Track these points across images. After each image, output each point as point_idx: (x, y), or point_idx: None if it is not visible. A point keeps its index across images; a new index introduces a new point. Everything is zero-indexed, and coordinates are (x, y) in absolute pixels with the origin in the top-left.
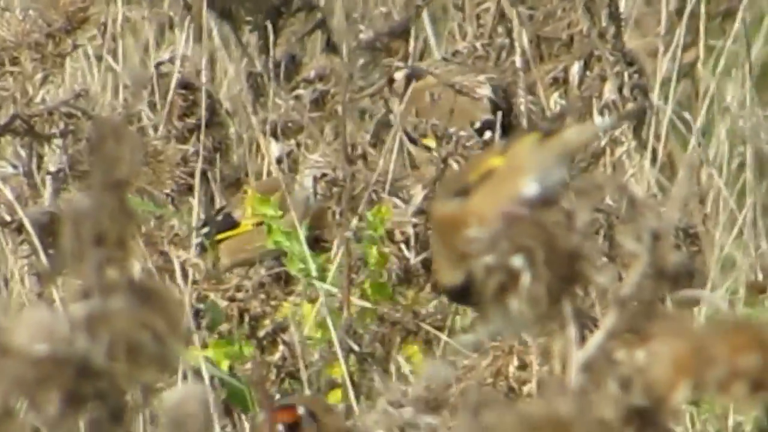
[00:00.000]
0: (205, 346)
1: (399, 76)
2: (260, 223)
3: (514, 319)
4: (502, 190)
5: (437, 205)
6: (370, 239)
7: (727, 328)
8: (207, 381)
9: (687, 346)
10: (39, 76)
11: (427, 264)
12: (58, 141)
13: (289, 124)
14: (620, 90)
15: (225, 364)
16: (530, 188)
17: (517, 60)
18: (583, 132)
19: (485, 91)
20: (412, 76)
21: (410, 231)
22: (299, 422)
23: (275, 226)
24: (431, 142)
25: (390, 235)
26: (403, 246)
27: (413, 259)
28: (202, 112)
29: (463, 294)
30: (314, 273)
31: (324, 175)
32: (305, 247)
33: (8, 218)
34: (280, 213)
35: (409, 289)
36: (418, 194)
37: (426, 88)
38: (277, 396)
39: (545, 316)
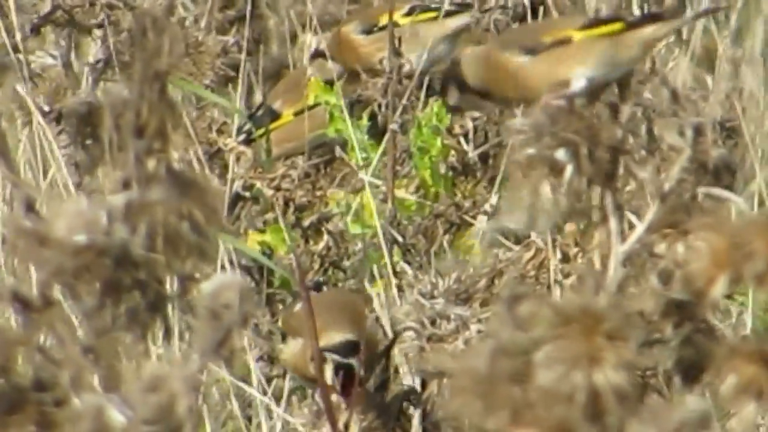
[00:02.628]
0: (259, 233)
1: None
2: (300, 112)
3: (552, 210)
4: (563, 66)
5: (503, 51)
6: (434, 130)
7: (766, 223)
8: (239, 271)
9: (725, 240)
10: None
11: (484, 157)
12: (98, 32)
13: (326, 17)
14: None
15: (282, 249)
16: (578, 82)
17: None
18: (660, 29)
19: None
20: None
21: (469, 125)
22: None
23: (336, 114)
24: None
25: (449, 128)
26: (461, 139)
27: (471, 152)
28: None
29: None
30: (374, 163)
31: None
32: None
33: (47, 108)
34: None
35: (467, 182)
36: None
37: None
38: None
39: (586, 209)
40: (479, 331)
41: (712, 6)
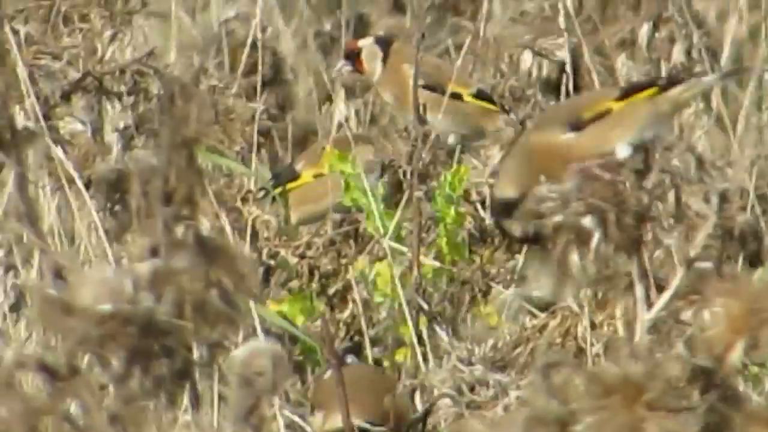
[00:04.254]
0: (278, 302)
1: (367, 42)
2: (319, 175)
3: (578, 277)
4: (610, 137)
5: (544, 132)
6: (448, 199)
7: None
8: (269, 338)
9: (743, 306)
10: (108, 33)
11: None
12: (127, 98)
13: (358, 83)
14: (688, 52)
15: (300, 320)
16: (623, 150)
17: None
18: (691, 89)
19: (563, 53)
20: (382, 42)
21: (486, 191)
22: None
23: (353, 183)
24: (459, 89)
25: (466, 194)
26: (478, 206)
27: (488, 219)
28: (259, 67)
29: (508, 209)
30: (390, 232)
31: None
32: (381, 206)
33: (76, 175)
34: (357, 170)
35: (484, 249)
36: (495, 155)
37: (401, 53)
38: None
39: (612, 276)
40: (518, 398)
41: (738, 67)
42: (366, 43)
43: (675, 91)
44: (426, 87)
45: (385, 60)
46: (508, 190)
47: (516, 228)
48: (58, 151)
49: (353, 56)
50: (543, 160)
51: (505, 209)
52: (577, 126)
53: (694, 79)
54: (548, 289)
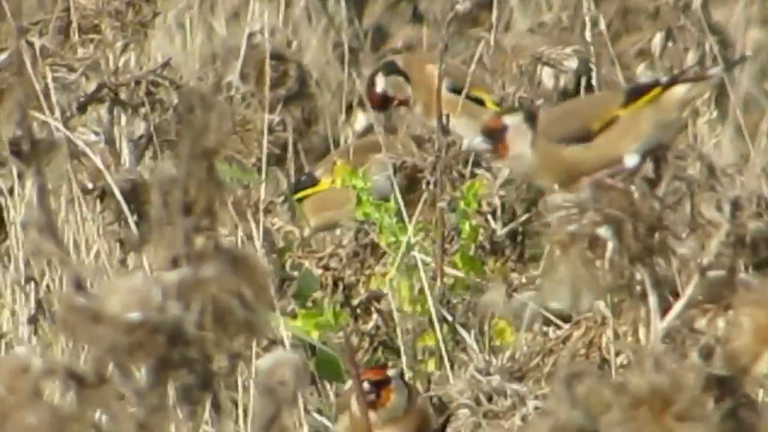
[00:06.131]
0: (294, 315)
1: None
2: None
3: (590, 286)
4: (617, 147)
5: (555, 145)
6: (463, 213)
7: None
8: (290, 348)
9: None
10: (119, 44)
11: (512, 235)
12: (142, 109)
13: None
14: (701, 61)
15: (315, 335)
16: (632, 159)
17: (603, 31)
18: (696, 87)
19: (572, 63)
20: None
21: (497, 202)
22: (387, 380)
23: (364, 197)
24: (482, 94)
25: (477, 206)
26: (489, 217)
27: (500, 230)
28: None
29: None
30: (404, 246)
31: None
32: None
33: (90, 185)
34: (369, 185)
35: (496, 260)
36: (505, 167)
37: (419, 59)
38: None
39: (626, 285)
40: (536, 408)
41: (739, 57)
42: (380, 80)
43: (679, 89)
44: (452, 90)
45: (408, 77)
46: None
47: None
48: (86, 154)
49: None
50: (551, 170)
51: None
52: (586, 138)
53: (698, 79)
54: (566, 300)
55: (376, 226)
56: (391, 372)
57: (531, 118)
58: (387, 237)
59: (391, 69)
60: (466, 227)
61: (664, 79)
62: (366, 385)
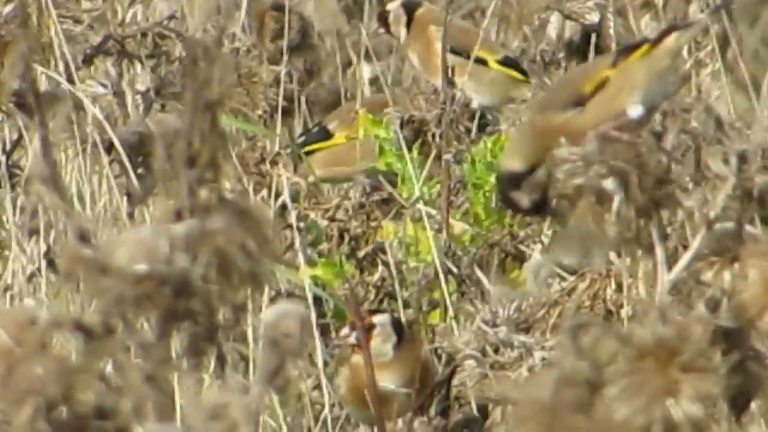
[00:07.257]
0: (311, 264)
1: (394, 5)
2: (353, 138)
3: (600, 240)
4: (614, 104)
5: (547, 114)
6: (488, 166)
7: None
8: (310, 300)
9: None
10: None
11: None
12: (149, 61)
13: (381, 46)
14: (703, 11)
15: (335, 284)
16: (635, 110)
17: None
18: (684, 33)
19: (595, 17)
20: (408, 6)
21: None
22: (371, 326)
23: (387, 147)
24: (485, 54)
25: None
26: None
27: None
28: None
29: (515, 181)
30: (422, 196)
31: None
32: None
33: (97, 138)
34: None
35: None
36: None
37: (428, 16)
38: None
39: (633, 238)
40: (543, 359)
41: (722, 2)
42: (392, 6)
43: (668, 40)
44: (452, 51)
45: (409, 23)
46: (515, 163)
47: (523, 199)
48: (90, 109)
49: (383, 19)
50: (550, 142)
51: (511, 181)
52: (580, 102)
53: (684, 28)
54: (577, 255)
55: (397, 177)
56: (377, 318)
57: (407, 5)
58: (409, 188)
59: (407, 5)
60: (491, 180)
61: (652, 36)
62: (346, 330)
